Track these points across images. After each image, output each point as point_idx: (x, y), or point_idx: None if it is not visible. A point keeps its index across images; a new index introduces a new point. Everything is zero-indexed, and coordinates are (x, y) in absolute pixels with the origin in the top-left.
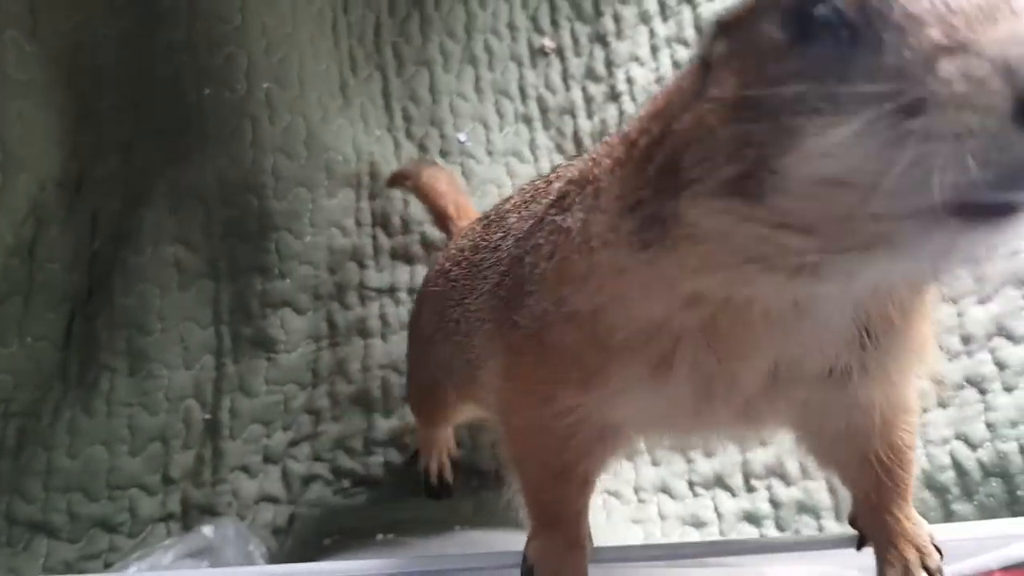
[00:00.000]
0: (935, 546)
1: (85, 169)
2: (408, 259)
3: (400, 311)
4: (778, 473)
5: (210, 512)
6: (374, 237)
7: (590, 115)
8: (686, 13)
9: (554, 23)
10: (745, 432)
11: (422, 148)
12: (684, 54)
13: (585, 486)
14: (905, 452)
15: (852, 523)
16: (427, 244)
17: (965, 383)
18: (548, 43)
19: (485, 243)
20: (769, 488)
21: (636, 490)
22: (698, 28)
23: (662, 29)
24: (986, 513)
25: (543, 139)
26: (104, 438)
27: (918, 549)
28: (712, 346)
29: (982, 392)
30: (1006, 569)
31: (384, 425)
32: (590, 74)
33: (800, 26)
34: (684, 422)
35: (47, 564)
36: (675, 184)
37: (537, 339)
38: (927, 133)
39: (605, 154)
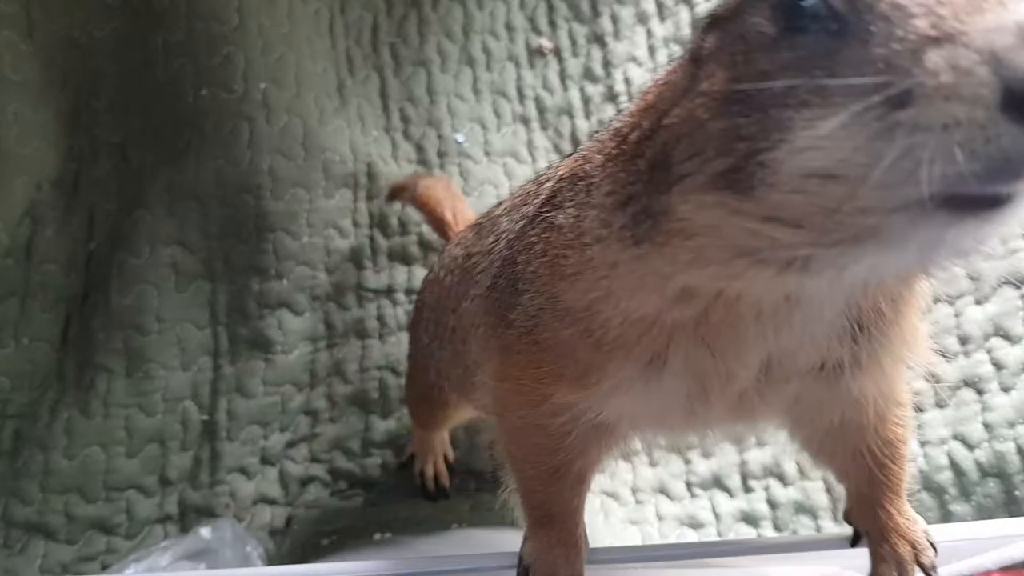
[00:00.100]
0: (930, 542)
1: (81, 170)
2: (406, 260)
3: (398, 312)
4: (775, 474)
5: (208, 513)
6: (371, 238)
7: (588, 115)
8: (683, 13)
9: (552, 24)
10: (739, 427)
11: (419, 149)
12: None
13: (580, 484)
14: (897, 446)
15: (847, 518)
16: (425, 245)
17: (962, 383)
18: (546, 44)
19: (477, 249)
20: (767, 489)
21: (634, 491)
22: (695, 28)
23: (660, 29)
24: (983, 513)
25: (541, 139)
26: (101, 439)
27: (912, 545)
28: (705, 341)
29: (979, 392)
30: (1004, 569)
31: (381, 426)
32: (588, 74)
33: (789, 19)
34: (678, 418)
35: (44, 565)
36: (666, 179)
37: (531, 338)
38: (914, 124)
39: (596, 150)
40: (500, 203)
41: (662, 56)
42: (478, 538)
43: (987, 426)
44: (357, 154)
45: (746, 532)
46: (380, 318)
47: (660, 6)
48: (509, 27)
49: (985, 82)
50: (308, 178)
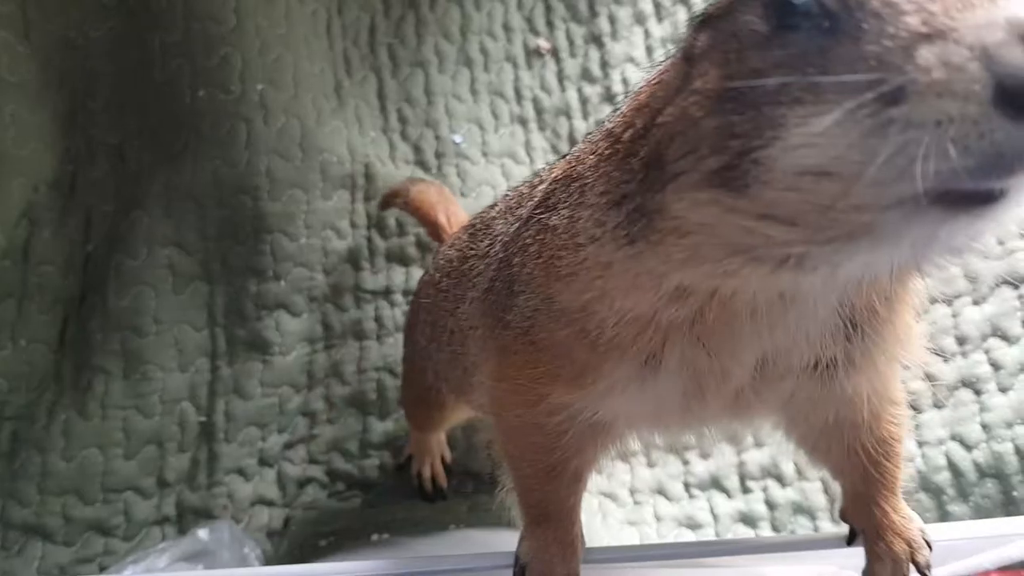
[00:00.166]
0: (926, 540)
1: (78, 171)
2: (403, 261)
3: (395, 313)
4: (774, 474)
5: (205, 515)
6: (369, 239)
7: (585, 116)
8: (681, 14)
9: (549, 24)
10: (735, 424)
11: (417, 150)
12: None
13: (577, 483)
14: (892, 444)
15: (842, 516)
16: (422, 246)
17: (960, 384)
18: (543, 44)
19: (473, 251)
20: (765, 489)
21: (632, 492)
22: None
23: (657, 30)
24: (981, 514)
25: (539, 140)
26: (99, 441)
27: (908, 543)
28: (700, 340)
29: (977, 393)
30: (1002, 569)
31: (379, 427)
32: (585, 75)
33: (781, 16)
34: (674, 416)
35: (41, 567)
36: (660, 177)
37: (527, 338)
38: (907, 121)
39: (589, 151)
40: (493, 205)
41: (660, 57)
42: (476, 539)
43: (985, 427)
44: (355, 155)
45: (744, 533)
46: (378, 319)
47: (657, 6)
48: (507, 28)
49: (977, 78)
50: (306, 179)
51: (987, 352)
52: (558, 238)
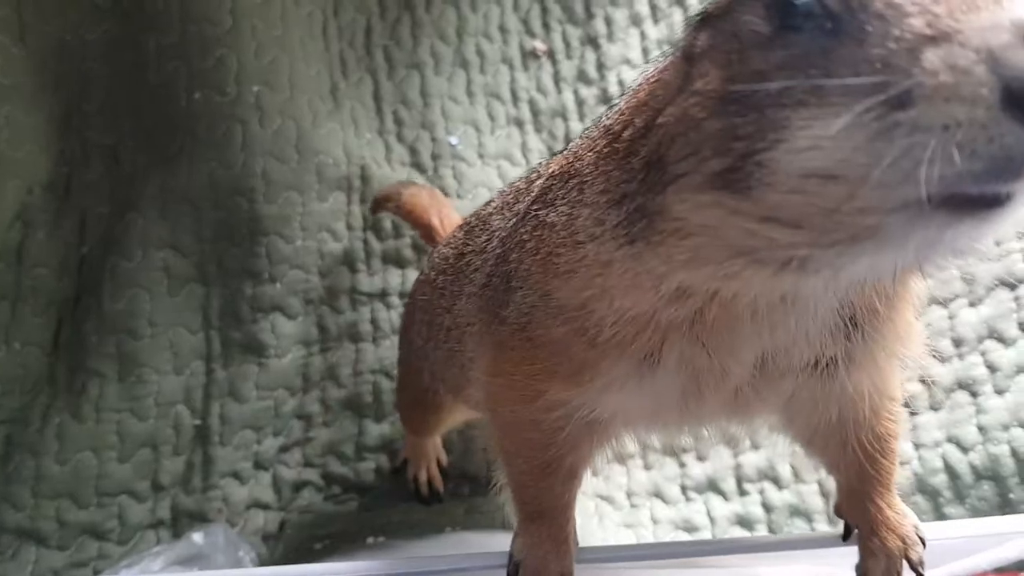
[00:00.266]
0: (919, 537)
1: (73, 173)
2: (399, 263)
3: (391, 315)
4: (770, 477)
5: (200, 519)
6: (365, 241)
7: (582, 118)
8: (677, 15)
9: (545, 26)
10: (733, 424)
11: (413, 151)
12: None
13: (572, 480)
14: (888, 441)
15: (837, 512)
16: (418, 248)
17: (956, 386)
18: (539, 46)
19: (470, 247)
20: (761, 492)
21: (628, 495)
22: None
23: (653, 31)
24: (978, 516)
25: (535, 142)
26: (93, 444)
27: (902, 539)
28: (699, 339)
29: (973, 395)
30: (998, 570)
31: (375, 430)
32: (581, 77)
33: (783, 17)
34: (672, 415)
35: (35, 571)
36: (661, 178)
37: (524, 334)
38: (914, 125)
39: (587, 148)
40: (489, 202)
41: (656, 58)
42: (472, 541)
43: (981, 429)
44: (350, 157)
45: (741, 535)
46: (374, 321)
47: (654, 8)
48: (503, 29)
49: (984, 81)
50: (301, 181)
51: (983, 354)
52: (556, 235)
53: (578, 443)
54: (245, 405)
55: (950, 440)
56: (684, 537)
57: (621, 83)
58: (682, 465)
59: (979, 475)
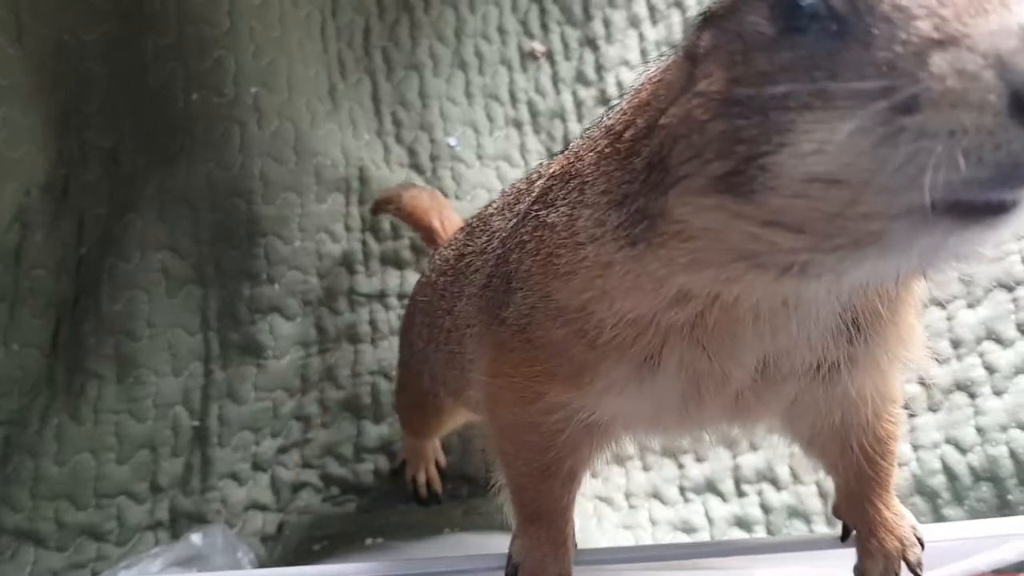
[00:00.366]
0: (918, 538)
1: (71, 174)
2: (398, 264)
3: (390, 316)
4: (769, 478)
5: (199, 520)
6: (363, 242)
7: (580, 119)
8: (675, 17)
9: (544, 27)
10: (734, 428)
11: (412, 153)
12: None
13: (571, 482)
14: (888, 443)
15: (835, 513)
16: (417, 249)
17: (955, 387)
18: (538, 47)
19: (470, 248)
20: (760, 493)
21: (627, 496)
22: (687, 31)
23: (652, 33)
24: (976, 517)
25: (533, 143)
26: (92, 446)
27: (900, 540)
28: (700, 342)
29: (972, 396)
30: (996, 572)
31: (374, 431)
32: (580, 78)
33: (788, 18)
34: (672, 419)
35: (34, 572)
36: (663, 180)
37: (524, 335)
38: (920, 131)
39: (588, 148)
40: (491, 203)
41: (654, 59)
42: (470, 542)
43: (979, 430)
44: (349, 158)
45: (739, 537)
46: (372, 323)
47: (652, 9)
48: (501, 31)
49: (992, 87)
50: (300, 182)
51: (981, 355)
52: (557, 235)
53: (578, 445)
54: (243, 406)
55: (948, 441)
56: (682, 538)
57: (619, 84)
58: (680, 466)
59: (977, 476)
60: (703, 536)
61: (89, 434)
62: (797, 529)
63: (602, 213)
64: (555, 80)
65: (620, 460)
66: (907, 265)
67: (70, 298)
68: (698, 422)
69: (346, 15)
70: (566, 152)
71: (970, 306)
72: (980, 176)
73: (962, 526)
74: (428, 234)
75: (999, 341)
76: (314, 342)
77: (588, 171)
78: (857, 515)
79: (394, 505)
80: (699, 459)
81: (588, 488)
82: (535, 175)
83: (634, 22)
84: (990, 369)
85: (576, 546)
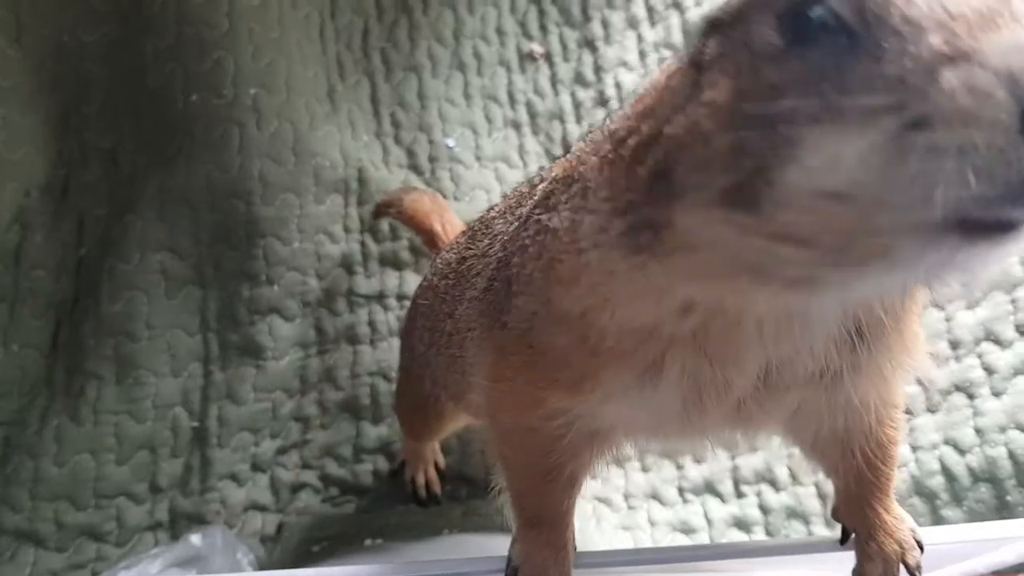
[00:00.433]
0: (917, 541)
1: (71, 175)
2: (397, 265)
3: (389, 317)
4: (768, 479)
5: (198, 520)
6: (362, 243)
7: (579, 120)
8: (674, 18)
9: (542, 28)
10: (736, 435)
11: (410, 154)
12: None
13: (572, 487)
14: (889, 448)
15: (834, 515)
16: (416, 250)
17: (953, 388)
18: (537, 48)
19: (471, 251)
20: (759, 494)
21: (626, 497)
22: (686, 33)
23: (650, 34)
24: (975, 518)
25: (532, 144)
26: (91, 446)
27: (899, 544)
28: (703, 350)
29: (970, 397)
30: (995, 573)
31: (373, 432)
32: (579, 79)
33: (796, 29)
34: (673, 426)
35: (34, 573)
36: (668, 190)
37: (526, 340)
38: (931, 148)
39: (590, 151)
40: (493, 207)
41: (653, 61)
42: (470, 543)
43: (978, 431)
44: (348, 159)
45: (738, 538)
46: (371, 324)
47: (650, 11)
48: (500, 32)
49: (1004, 105)
50: (298, 184)
51: (980, 356)
52: (559, 241)
53: (579, 451)
54: (243, 407)
55: (947, 442)
56: (681, 539)
57: (618, 85)
58: (679, 467)
59: (976, 477)
60: (702, 537)
61: (88, 435)
62: (796, 530)
63: (605, 220)
64: (553, 81)
65: (619, 462)
66: (913, 279)
67: (70, 299)
68: (700, 430)
69: (345, 17)
70: (568, 155)
71: (969, 307)
72: (990, 194)
73: (961, 529)
74: (429, 237)
75: (998, 342)
76: (313, 343)
77: (591, 176)
78: (857, 519)
79: (393, 506)
80: (698, 460)
81: (587, 489)
82: (537, 179)
83: (632, 23)
84: (989, 370)
85: (576, 549)
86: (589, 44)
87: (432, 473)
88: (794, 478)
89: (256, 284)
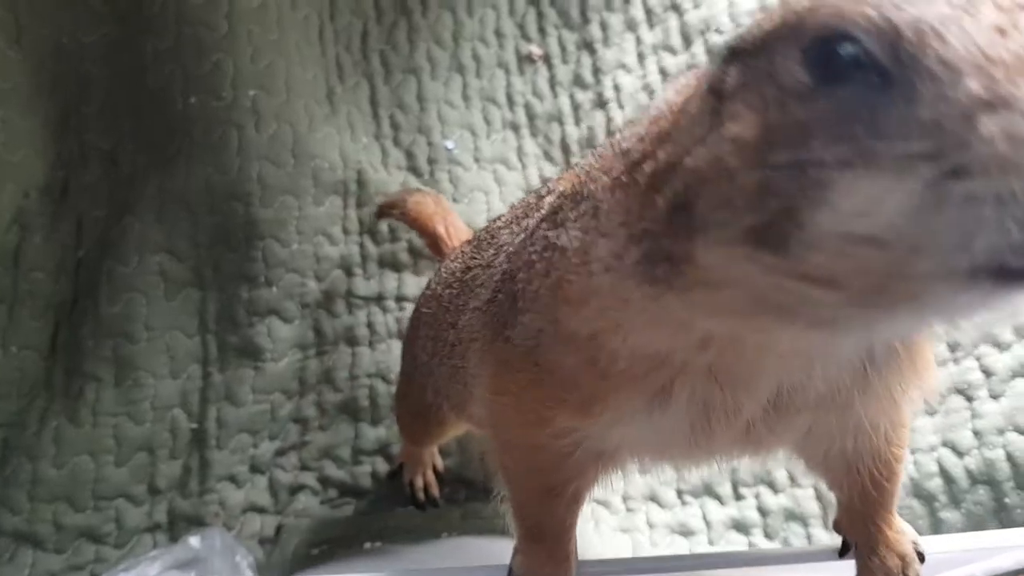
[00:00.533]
0: (918, 552)
1: (70, 176)
2: (396, 267)
3: (388, 319)
4: (766, 481)
5: (197, 522)
6: (361, 245)
7: (577, 122)
8: (672, 20)
9: (541, 30)
10: (744, 457)
11: (409, 156)
12: (671, 61)
13: (575, 503)
14: (894, 466)
15: (836, 528)
16: (415, 252)
17: (952, 390)
18: (535, 50)
19: (476, 261)
20: (757, 496)
21: (624, 499)
22: (684, 35)
23: (649, 36)
24: (973, 520)
25: (531, 146)
26: (90, 448)
27: (900, 557)
28: (714, 376)
29: (969, 399)
30: None
31: (371, 434)
32: (577, 81)
33: (824, 65)
34: (681, 449)
35: (32, 575)
36: (689, 223)
37: (532, 358)
38: (968, 196)
39: (601, 169)
40: (499, 217)
41: (651, 63)
42: (468, 546)
43: (977, 433)
44: (347, 161)
45: (737, 540)
46: (370, 325)
47: (649, 13)
48: (499, 34)
49: None
50: (297, 185)
51: (978, 359)
52: (568, 260)
53: (584, 469)
54: (241, 409)
55: (945, 444)
56: (680, 541)
57: (616, 87)
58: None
59: (974, 479)
60: (700, 539)
61: (87, 436)
62: (794, 532)
63: (619, 246)
64: (552, 83)
65: (623, 475)
66: (939, 322)
67: (68, 300)
68: (707, 452)
69: (344, 18)
70: (576, 169)
71: None
72: None
73: (963, 538)
74: (433, 240)
75: (996, 344)
76: (312, 345)
77: (602, 196)
78: (859, 533)
79: (392, 508)
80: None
81: None
82: (544, 190)
83: (631, 25)
84: (987, 372)
85: (577, 559)
86: (588, 46)
87: (430, 476)
88: (793, 480)
89: (255, 286)
